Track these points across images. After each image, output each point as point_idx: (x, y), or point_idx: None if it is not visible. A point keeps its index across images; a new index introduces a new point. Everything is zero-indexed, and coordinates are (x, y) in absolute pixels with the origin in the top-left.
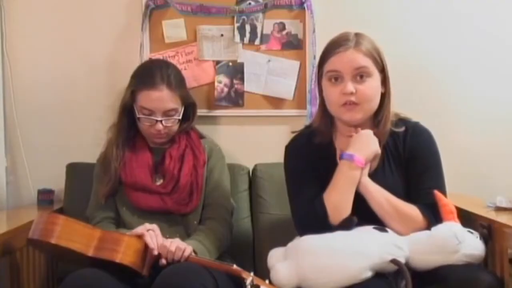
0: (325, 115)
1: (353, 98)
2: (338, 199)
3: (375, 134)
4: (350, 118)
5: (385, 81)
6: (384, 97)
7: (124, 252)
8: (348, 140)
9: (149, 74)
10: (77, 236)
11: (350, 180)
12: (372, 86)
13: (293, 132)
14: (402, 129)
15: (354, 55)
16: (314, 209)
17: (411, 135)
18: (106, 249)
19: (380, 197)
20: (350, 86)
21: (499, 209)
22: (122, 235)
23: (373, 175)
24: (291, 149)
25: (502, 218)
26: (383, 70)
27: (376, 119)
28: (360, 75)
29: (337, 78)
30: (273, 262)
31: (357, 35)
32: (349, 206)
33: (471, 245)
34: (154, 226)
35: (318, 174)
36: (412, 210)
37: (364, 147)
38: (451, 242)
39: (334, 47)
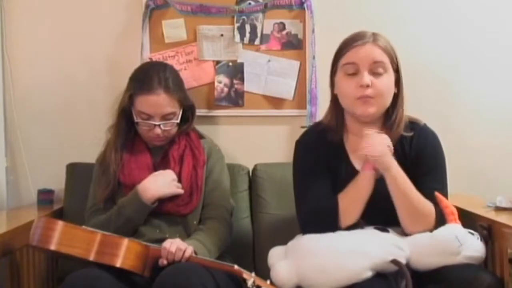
0: (337, 112)
1: (368, 92)
2: (351, 207)
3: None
4: (364, 112)
5: (398, 82)
6: (397, 98)
7: (125, 256)
8: (359, 140)
9: (146, 78)
10: (77, 242)
11: (367, 192)
12: (388, 82)
13: (302, 127)
14: (411, 134)
15: (372, 49)
16: (325, 207)
17: (417, 137)
18: (106, 254)
19: (409, 192)
20: (367, 78)
21: (499, 209)
22: (122, 239)
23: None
24: (302, 145)
25: (502, 218)
26: (397, 70)
27: (388, 121)
28: (377, 69)
29: (353, 71)
30: (273, 261)
31: (374, 33)
32: (358, 214)
33: (472, 247)
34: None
35: (327, 172)
36: (430, 210)
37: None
38: (452, 244)
39: (351, 42)
